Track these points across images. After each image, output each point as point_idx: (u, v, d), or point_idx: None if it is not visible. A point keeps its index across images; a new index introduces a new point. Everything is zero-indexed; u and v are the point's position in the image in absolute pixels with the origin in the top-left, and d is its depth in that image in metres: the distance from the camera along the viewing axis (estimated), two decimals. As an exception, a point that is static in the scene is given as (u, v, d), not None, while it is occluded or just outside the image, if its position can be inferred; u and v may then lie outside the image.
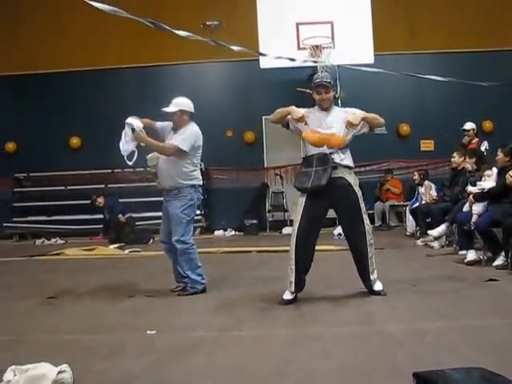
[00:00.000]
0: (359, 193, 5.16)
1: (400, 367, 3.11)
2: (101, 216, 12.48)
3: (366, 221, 5.14)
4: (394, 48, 12.79)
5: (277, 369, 3.25)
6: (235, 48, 8.15)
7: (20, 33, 13.68)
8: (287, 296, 5.08)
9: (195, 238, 12.31)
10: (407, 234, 10.73)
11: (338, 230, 9.69)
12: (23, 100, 13.90)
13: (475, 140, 9.70)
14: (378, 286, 5.22)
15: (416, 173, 10.89)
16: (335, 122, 5.12)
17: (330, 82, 5.23)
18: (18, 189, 14.10)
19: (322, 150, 5.04)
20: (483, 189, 6.95)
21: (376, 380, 2.98)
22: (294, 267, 5.05)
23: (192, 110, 5.82)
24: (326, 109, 5.21)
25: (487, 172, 7.26)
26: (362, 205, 5.16)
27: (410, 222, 10.64)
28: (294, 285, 5.05)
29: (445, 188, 9.21)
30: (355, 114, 5.18)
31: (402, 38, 13.21)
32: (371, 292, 5.19)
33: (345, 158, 5.15)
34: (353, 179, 5.17)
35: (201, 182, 5.92)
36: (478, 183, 7.26)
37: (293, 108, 5.18)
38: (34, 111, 13.76)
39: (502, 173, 6.80)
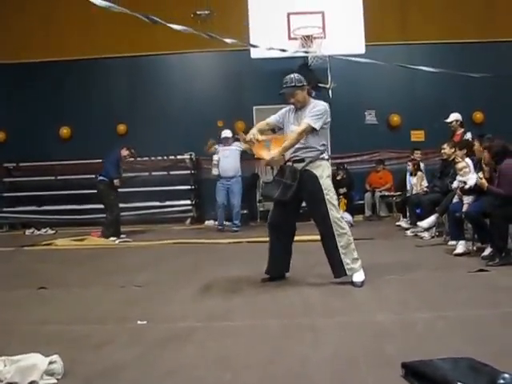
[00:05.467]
0: (325, 184, 5.27)
1: (389, 357, 3.14)
2: (91, 206, 12.34)
3: (331, 211, 5.22)
4: (385, 39, 12.76)
5: (267, 358, 3.27)
6: (228, 40, 8.18)
7: (11, 20, 13.54)
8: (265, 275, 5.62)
9: (185, 228, 12.43)
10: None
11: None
12: (13, 89, 13.76)
13: (460, 131, 9.68)
14: (356, 278, 5.24)
15: (410, 163, 10.95)
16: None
17: (293, 85, 5.42)
18: (7, 178, 14.00)
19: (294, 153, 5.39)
20: (465, 183, 6.96)
21: (365, 370, 3.00)
22: (268, 253, 5.60)
23: None
24: (300, 107, 5.48)
25: (460, 165, 7.24)
26: (328, 196, 5.24)
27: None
28: (267, 267, 5.61)
29: (435, 179, 9.24)
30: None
31: (394, 29, 13.16)
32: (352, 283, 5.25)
33: (312, 150, 5.35)
34: (320, 171, 5.32)
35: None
36: (457, 178, 7.26)
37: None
38: (23, 100, 13.63)
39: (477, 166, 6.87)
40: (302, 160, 5.35)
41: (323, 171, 5.33)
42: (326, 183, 5.30)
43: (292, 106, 5.56)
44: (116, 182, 10.50)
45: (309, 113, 5.34)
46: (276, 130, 5.62)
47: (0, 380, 2.91)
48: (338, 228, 5.22)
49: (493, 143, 6.64)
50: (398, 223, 10.60)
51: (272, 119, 5.62)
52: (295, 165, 5.37)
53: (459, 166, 7.24)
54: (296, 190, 5.26)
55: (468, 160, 7.39)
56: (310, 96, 5.54)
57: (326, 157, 5.49)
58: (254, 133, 5.44)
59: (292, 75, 5.51)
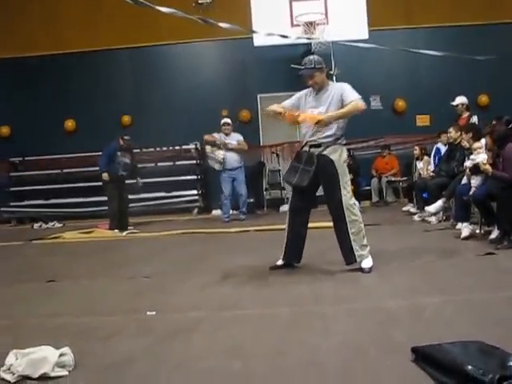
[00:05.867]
0: (340, 169, 5.27)
1: (399, 343, 3.13)
2: (98, 198, 12.32)
3: (345, 197, 5.23)
4: (389, 23, 12.69)
5: (277, 347, 3.27)
6: (223, 25, 8.10)
7: (14, 15, 13.54)
8: (278, 262, 5.61)
9: (192, 218, 12.44)
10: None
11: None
12: (17, 83, 13.78)
13: (466, 114, 9.63)
14: (365, 264, 5.24)
15: (417, 147, 10.96)
16: (326, 101, 5.34)
17: (313, 67, 5.35)
18: (14, 173, 14.04)
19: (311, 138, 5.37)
20: (476, 162, 6.93)
21: (376, 356, 3.00)
22: (285, 239, 5.57)
23: None
24: (318, 89, 5.41)
25: (476, 145, 7.20)
26: (343, 181, 5.25)
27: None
28: (283, 254, 5.59)
29: (441, 163, 9.20)
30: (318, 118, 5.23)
31: (397, 13, 13.09)
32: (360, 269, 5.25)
33: (329, 136, 5.32)
34: (337, 156, 5.30)
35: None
36: (470, 157, 7.23)
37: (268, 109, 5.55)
38: (27, 94, 13.65)
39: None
40: (319, 145, 5.32)
41: (340, 156, 5.32)
42: (342, 168, 5.30)
43: (309, 90, 5.49)
44: (104, 175, 10.27)
45: (343, 95, 5.26)
46: None
47: (12, 373, 2.92)
48: (351, 214, 5.22)
49: (494, 128, 6.62)
50: (404, 208, 10.58)
51: (287, 103, 5.53)
52: (312, 150, 5.35)
53: (475, 145, 7.19)
54: (313, 175, 5.25)
55: (484, 140, 7.34)
56: (327, 78, 5.51)
57: (344, 142, 5.44)
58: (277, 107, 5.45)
59: (311, 56, 5.48)
